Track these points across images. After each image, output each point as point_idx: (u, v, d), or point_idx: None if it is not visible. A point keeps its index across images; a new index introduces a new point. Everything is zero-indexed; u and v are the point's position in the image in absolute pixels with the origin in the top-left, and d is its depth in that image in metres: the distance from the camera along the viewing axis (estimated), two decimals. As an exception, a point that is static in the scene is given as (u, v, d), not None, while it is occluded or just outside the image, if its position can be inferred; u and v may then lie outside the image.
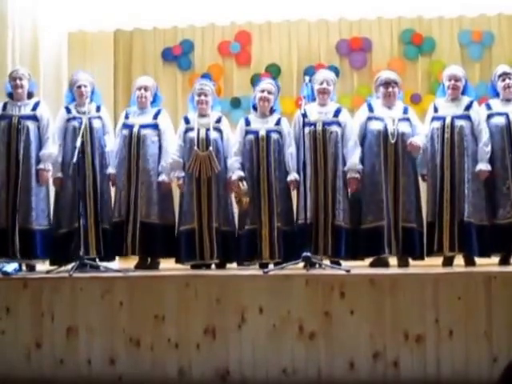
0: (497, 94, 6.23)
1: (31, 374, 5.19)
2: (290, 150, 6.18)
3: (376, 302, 4.93)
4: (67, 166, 6.26)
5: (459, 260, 6.06)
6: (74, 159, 5.81)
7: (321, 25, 8.55)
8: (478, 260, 6.02)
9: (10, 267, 5.75)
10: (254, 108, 6.37)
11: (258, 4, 8.16)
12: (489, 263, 6.00)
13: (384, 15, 8.43)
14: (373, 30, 8.52)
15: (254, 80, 8.01)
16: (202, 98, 6.31)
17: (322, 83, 6.24)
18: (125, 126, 6.38)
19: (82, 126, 6.09)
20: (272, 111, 6.32)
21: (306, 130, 5.98)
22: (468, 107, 6.12)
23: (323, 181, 6.10)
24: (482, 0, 8.08)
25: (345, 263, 6.03)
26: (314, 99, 6.28)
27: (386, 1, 8.16)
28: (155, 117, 6.39)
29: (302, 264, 5.54)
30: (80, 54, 8.47)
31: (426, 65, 8.47)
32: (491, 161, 6.03)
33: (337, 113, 6.21)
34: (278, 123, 6.27)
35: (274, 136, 6.21)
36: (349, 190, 6.17)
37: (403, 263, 6.05)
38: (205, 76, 7.88)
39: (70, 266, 5.59)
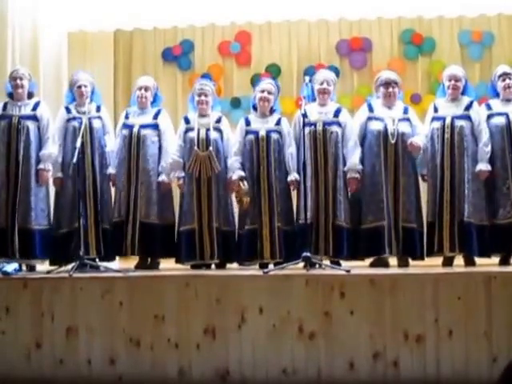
0: (497, 94, 6.23)
1: (31, 374, 5.19)
2: (290, 150, 6.18)
3: (376, 302, 4.93)
4: (67, 166, 6.26)
5: (459, 260, 6.06)
6: (74, 159, 5.81)
7: (321, 25, 8.56)
8: (478, 260, 6.02)
9: (10, 267, 5.75)
10: (254, 108, 6.37)
11: (258, 4, 8.16)
12: (489, 263, 6.00)
13: (384, 15, 8.43)
14: (373, 30, 8.53)
15: (254, 80, 8.02)
16: (202, 98, 6.31)
17: (322, 83, 6.24)
18: (125, 126, 6.38)
19: (82, 126, 6.09)
20: (272, 111, 6.32)
21: (306, 130, 5.98)
22: (468, 107, 6.12)
23: (323, 181, 6.10)
24: (482, 0, 8.08)
25: (345, 263, 6.04)
26: (314, 99, 6.27)
27: (386, 1, 8.17)
28: (155, 117, 6.39)
29: (302, 264, 5.54)
30: (80, 54, 8.47)
31: (425, 65, 8.47)
32: (491, 161, 6.03)
33: (337, 113, 6.21)
34: (278, 123, 6.27)
35: (274, 136, 6.21)
36: (349, 190, 6.18)
37: (403, 263, 6.05)
38: (205, 76, 7.88)
39: (70, 266, 5.59)
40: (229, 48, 8.63)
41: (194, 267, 6.19)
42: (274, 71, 8.48)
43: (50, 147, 6.29)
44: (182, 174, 6.26)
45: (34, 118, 6.32)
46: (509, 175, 6.01)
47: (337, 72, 7.97)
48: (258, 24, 8.62)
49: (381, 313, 4.92)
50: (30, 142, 6.27)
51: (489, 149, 6.03)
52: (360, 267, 5.91)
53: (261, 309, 5.00)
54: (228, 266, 6.28)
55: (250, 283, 5.15)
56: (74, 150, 5.89)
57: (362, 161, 6.13)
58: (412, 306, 4.90)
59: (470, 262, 5.98)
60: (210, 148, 6.18)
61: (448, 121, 6.08)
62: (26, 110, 6.33)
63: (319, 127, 6.14)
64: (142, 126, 6.32)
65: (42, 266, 6.35)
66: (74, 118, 6.34)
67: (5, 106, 6.35)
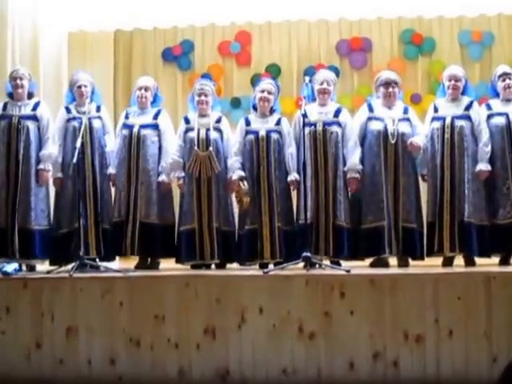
0: (497, 94, 6.23)
1: (31, 374, 5.18)
2: (290, 150, 6.18)
3: (376, 302, 4.93)
4: (67, 166, 6.26)
5: (459, 260, 6.06)
6: (74, 159, 5.80)
7: (321, 25, 8.56)
8: (478, 260, 6.02)
9: (10, 267, 5.75)
10: (254, 108, 6.37)
11: (258, 4, 8.17)
12: (489, 263, 6.00)
13: (384, 15, 8.44)
14: (373, 29, 8.53)
15: (254, 80, 8.02)
16: (202, 98, 6.31)
17: (322, 83, 6.24)
18: (125, 126, 6.38)
19: (82, 126, 6.09)
20: (272, 111, 6.32)
21: (307, 130, 5.98)
22: (468, 107, 6.12)
23: (323, 181, 6.10)
24: (482, 0, 8.09)
25: (345, 263, 6.04)
26: (314, 99, 6.27)
27: (386, 1, 8.17)
28: (155, 117, 6.39)
29: (302, 264, 5.54)
30: (80, 54, 8.48)
31: (425, 65, 8.47)
32: (491, 161, 6.03)
33: (337, 113, 6.21)
34: (278, 123, 6.27)
35: (274, 136, 6.21)
36: (349, 190, 6.18)
37: (403, 263, 6.05)
38: (205, 76, 7.88)
39: (70, 266, 5.59)
40: (229, 48, 8.63)
41: (194, 267, 6.19)
42: (274, 71, 8.48)
43: (50, 147, 6.29)
44: (182, 174, 6.26)
45: (34, 118, 6.32)
46: (509, 175, 6.01)
47: (337, 72, 7.97)
48: (257, 24, 8.62)
49: (381, 313, 4.92)
50: (30, 142, 6.27)
51: (489, 149, 6.03)
52: (360, 267, 5.91)
53: (261, 309, 4.99)
54: (228, 266, 6.28)
55: (250, 283, 5.14)
56: (74, 150, 5.89)
57: (362, 161, 6.13)
58: (412, 306, 4.90)
59: (470, 262, 5.98)
60: (210, 148, 6.18)
61: (448, 121, 6.08)
62: (26, 110, 6.33)
63: (319, 127, 6.13)
64: (142, 126, 6.32)
65: (42, 266, 6.35)
66: (74, 118, 6.34)
67: (5, 106, 6.35)
